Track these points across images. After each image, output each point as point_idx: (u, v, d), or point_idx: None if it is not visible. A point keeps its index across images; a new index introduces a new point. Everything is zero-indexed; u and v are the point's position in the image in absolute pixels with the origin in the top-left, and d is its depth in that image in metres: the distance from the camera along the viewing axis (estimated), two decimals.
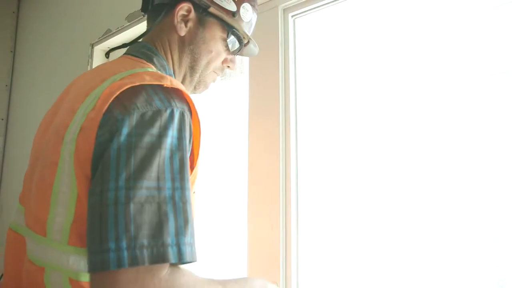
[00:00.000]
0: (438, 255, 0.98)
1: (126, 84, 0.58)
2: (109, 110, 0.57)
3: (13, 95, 2.25)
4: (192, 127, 0.65)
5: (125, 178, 0.53)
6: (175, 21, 0.76)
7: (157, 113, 0.58)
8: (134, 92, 0.59)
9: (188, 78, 0.81)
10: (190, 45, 0.78)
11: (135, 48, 0.77)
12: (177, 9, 0.76)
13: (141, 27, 1.50)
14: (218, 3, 0.79)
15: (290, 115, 1.12)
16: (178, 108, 0.61)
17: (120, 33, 1.56)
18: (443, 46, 1.04)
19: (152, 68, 0.68)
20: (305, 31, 1.22)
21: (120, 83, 0.59)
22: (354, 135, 1.11)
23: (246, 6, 0.83)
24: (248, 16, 0.83)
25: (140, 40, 0.80)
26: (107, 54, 0.88)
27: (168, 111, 0.59)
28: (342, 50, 1.17)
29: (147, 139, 0.56)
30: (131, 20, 1.51)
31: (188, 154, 0.63)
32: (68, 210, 0.57)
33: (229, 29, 0.80)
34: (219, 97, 1.43)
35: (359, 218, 1.07)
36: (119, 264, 0.49)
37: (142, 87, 0.60)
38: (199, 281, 0.59)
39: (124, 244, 0.50)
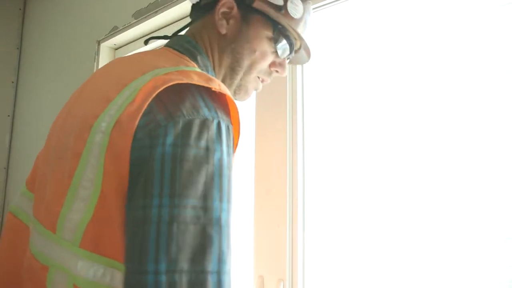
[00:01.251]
0: (447, 254, 0.96)
1: (172, 80, 0.53)
2: (150, 110, 0.52)
3: (19, 92, 2.26)
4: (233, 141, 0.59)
5: (169, 194, 0.49)
6: (216, 17, 0.71)
7: (204, 123, 0.53)
8: (179, 92, 0.54)
9: (227, 81, 0.74)
10: (231, 44, 0.71)
11: (178, 42, 0.71)
12: (219, 5, 0.70)
13: (149, 24, 1.50)
14: None
15: (297, 112, 1.12)
16: (224, 120, 0.56)
17: (126, 30, 1.56)
18: (449, 44, 1.03)
19: (196, 68, 0.62)
20: (313, 29, 1.21)
21: (165, 78, 0.54)
22: (360, 134, 1.11)
23: (294, 1, 0.73)
24: (298, 12, 0.73)
25: (183, 33, 0.74)
26: (146, 42, 0.81)
27: (215, 122, 0.54)
28: (349, 45, 1.17)
29: (194, 151, 0.51)
30: (138, 17, 1.51)
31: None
32: (87, 207, 0.51)
33: (275, 27, 0.71)
34: None
35: (366, 217, 1.06)
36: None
37: (189, 87, 0.55)
38: None
39: (163, 267, 0.47)
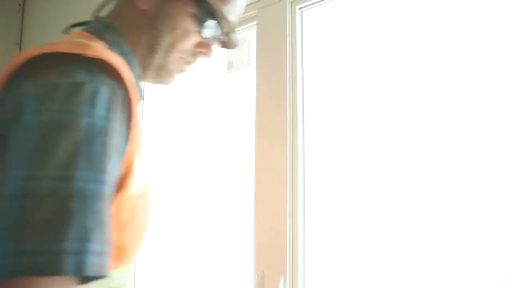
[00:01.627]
0: (446, 251, 0.95)
1: (37, 52, 0.49)
2: (15, 83, 0.49)
3: None
4: (128, 107, 0.53)
5: (25, 166, 0.43)
6: None
7: (75, 87, 0.48)
8: (48, 61, 0.49)
9: (148, 61, 0.68)
10: (151, 20, 0.66)
11: (91, 23, 0.68)
12: None
13: None
14: None
15: (297, 110, 1.12)
16: (105, 82, 0.50)
17: None
18: (454, 42, 1.02)
19: (99, 44, 0.58)
20: (312, 23, 1.21)
21: (32, 50, 0.49)
22: (362, 131, 1.11)
23: None
24: None
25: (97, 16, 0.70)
26: (66, 31, 0.74)
27: (91, 85, 0.48)
28: (351, 43, 1.16)
29: (56, 116, 0.46)
30: None
31: (123, 141, 0.51)
32: None
33: (199, 3, 0.65)
34: (225, 91, 1.43)
35: (365, 213, 1.07)
36: (2, 275, 0.40)
37: (58, 56, 0.50)
38: None
39: (9, 248, 0.40)
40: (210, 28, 0.67)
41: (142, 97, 0.69)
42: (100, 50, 0.53)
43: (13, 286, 0.40)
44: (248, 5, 0.93)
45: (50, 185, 0.43)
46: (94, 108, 0.47)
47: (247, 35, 1.32)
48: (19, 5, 2.37)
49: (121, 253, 0.58)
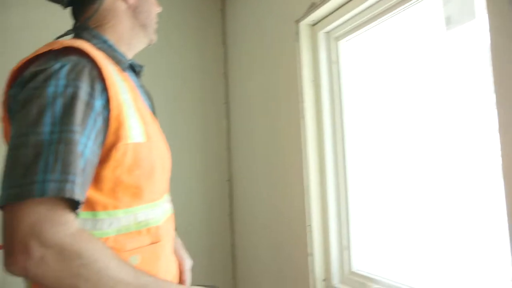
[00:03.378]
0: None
1: (25, 59, 0.71)
2: (13, 85, 0.71)
3: (229, 81, 2.58)
4: (101, 78, 0.70)
5: (14, 129, 0.65)
6: None
7: (44, 70, 0.67)
8: (33, 62, 0.70)
9: (142, 36, 0.92)
10: (137, 8, 0.89)
11: (72, 31, 0.87)
12: None
13: None
14: None
15: None
16: (69, 61, 0.69)
17: (325, 3, 1.58)
18: None
19: (80, 41, 0.76)
20: None
21: (22, 60, 0.72)
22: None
23: None
24: None
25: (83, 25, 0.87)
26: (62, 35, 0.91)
27: (56, 65, 0.67)
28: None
29: (31, 92, 0.65)
30: None
31: (97, 100, 0.68)
32: None
33: None
34: (445, 53, 1.30)
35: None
36: None
37: (38, 57, 0.71)
38: (99, 249, 0.64)
39: (3, 185, 0.60)
40: None
41: (127, 68, 0.88)
42: (67, 41, 0.72)
43: (5, 212, 0.59)
44: None
45: (23, 139, 0.61)
46: (57, 80, 0.65)
47: None
48: (220, 9, 2.69)
49: (137, 192, 0.76)
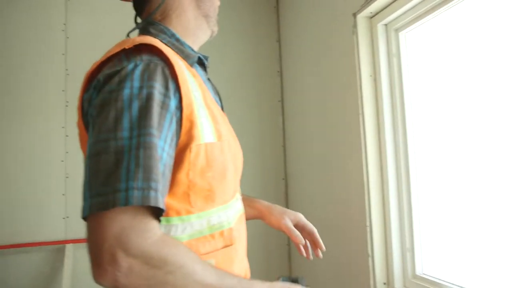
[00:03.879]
0: None
1: (98, 62, 0.69)
2: (87, 89, 0.69)
3: (284, 79, 2.57)
4: (173, 76, 0.67)
5: (92, 135, 0.62)
6: None
7: (117, 72, 0.65)
8: (106, 64, 0.68)
9: (205, 27, 0.88)
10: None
11: (139, 26, 0.84)
12: None
13: None
14: None
15: None
16: (143, 60, 0.66)
17: None
18: None
19: (147, 37, 0.73)
20: None
21: (95, 63, 0.70)
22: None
23: None
24: None
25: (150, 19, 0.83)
26: (128, 34, 0.87)
27: (130, 66, 0.65)
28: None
29: (105, 96, 0.63)
30: None
31: (172, 100, 0.66)
32: None
33: None
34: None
35: None
36: (83, 214, 0.58)
37: (111, 58, 0.69)
38: (184, 252, 0.61)
39: (86, 194, 0.59)
40: None
41: (196, 62, 0.85)
42: (138, 39, 0.69)
43: (89, 222, 0.57)
44: None
45: (103, 145, 0.59)
46: (132, 81, 0.63)
47: None
48: (274, 7, 2.68)
49: (210, 195, 0.73)
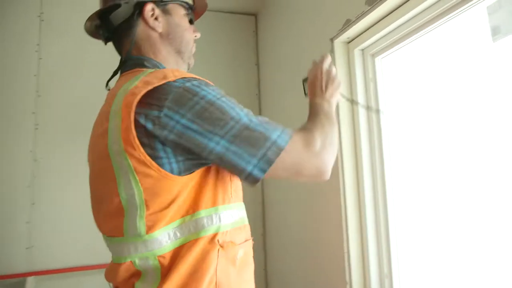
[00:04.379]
0: None
1: (147, 86, 0.73)
2: (138, 112, 0.72)
3: (262, 101, 2.56)
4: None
5: (215, 133, 0.73)
6: (150, 23, 0.90)
7: (185, 87, 0.74)
8: (155, 91, 0.73)
9: (180, 61, 0.95)
10: (169, 36, 0.92)
11: (127, 64, 0.89)
12: (145, 13, 0.89)
13: (383, 8, 1.42)
14: None
15: None
16: (191, 79, 0.76)
17: (359, 20, 1.53)
18: None
19: (148, 70, 0.81)
20: None
21: (135, 89, 0.74)
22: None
23: None
24: None
25: (130, 55, 0.90)
26: (107, 86, 0.94)
27: (194, 82, 0.75)
28: None
29: (197, 108, 0.73)
30: (372, 3, 1.46)
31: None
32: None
33: (185, 5, 0.95)
34: (491, 63, 1.21)
35: None
36: (266, 167, 0.76)
37: (156, 88, 0.73)
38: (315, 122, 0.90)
39: (254, 160, 0.75)
40: (191, 15, 0.98)
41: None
42: (178, 72, 0.78)
43: (279, 162, 0.76)
44: None
45: (234, 130, 0.74)
46: (207, 87, 0.76)
47: None
48: (253, 31, 2.71)
49: (237, 189, 0.87)
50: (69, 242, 2.07)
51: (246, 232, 0.87)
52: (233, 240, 0.81)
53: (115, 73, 0.94)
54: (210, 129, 0.72)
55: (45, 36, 2.23)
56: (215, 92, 0.76)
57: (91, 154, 0.87)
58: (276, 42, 2.39)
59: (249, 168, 0.74)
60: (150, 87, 0.73)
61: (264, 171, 0.75)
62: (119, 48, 0.94)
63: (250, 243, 0.88)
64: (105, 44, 0.98)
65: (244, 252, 0.83)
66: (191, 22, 0.98)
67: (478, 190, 1.24)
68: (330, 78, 1.02)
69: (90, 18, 0.94)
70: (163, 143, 0.72)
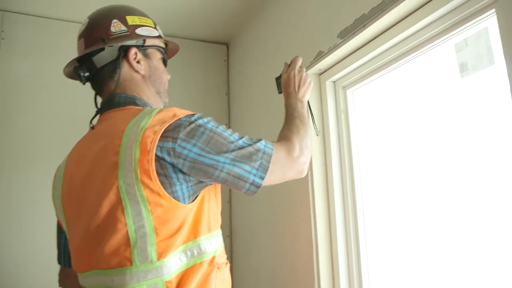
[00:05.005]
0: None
1: (164, 124, 0.82)
2: (159, 146, 0.80)
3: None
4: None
5: (221, 156, 0.84)
6: (133, 66, 0.98)
7: (195, 122, 0.85)
8: (169, 127, 0.82)
9: (159, 100, 1.04)
10: (150, 77, 1.01)
11: (114, 103, 0.95)
12: (129, 57, 0.97)
13: (355, 42, 1.45)
14: (148, 34, 1.01)
15: None
16: (193, 114, 0.87)
17: (332, 52, 1.55)
18: None
19: (156, 109, 0.88)
20: None
21: (153, 127, 0.82)
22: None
23: (158, 28, 1.06)
24: (162, 32, 1.07)
25: (115, 94, 0.97)
26: (91, 123, 0.98)
27: (196, 116, 0.87)
28: None
29: (205, 136, 0.84)
30: (344, 36, 1.49)
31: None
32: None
33: (161, 49, 1.05)
34: (460, 99, 1.24)
35: None
36: (263, 176, 0.88)
37: (174, 121, 0.84)
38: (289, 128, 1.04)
39: (253, 170, 0.87)
40: (165, 58, 1.08)
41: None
42: (183, 110, 0.88)
43: (270, 173, 0.89)
44: None
45: (236, 150, 0.86)
46: (209, 122, 0.87)
47: (481, 28, 1.13)
48: (224, 60, 2.71)
49: (217, 217, 0.96)
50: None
51: (223, 257, 0.95)
52: (223, 261, 0.91)
53: (100, 110, 0.98)
54: (218, 152, 0.83)
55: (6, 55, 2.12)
56: (212, 122, 0.87)
57: (78, 189, 0.89)
58: (247, 71, 2.39)
59: (251, 177, 0.86)
60: (166, 125, 0.82)
61: (262, 178, 0.87)
62: (100, 87, 1.00)
63: (228, 266, 0.96)
64: (83, 84, 1.02)
65: (221, 272, 0.91)
66: (165, 64, 1.07)
67: (454, 217, 1.24)
68: (302, 79, 1.13)
69: (69, 64, 1.00)
70: (178, 171, 0.81)
